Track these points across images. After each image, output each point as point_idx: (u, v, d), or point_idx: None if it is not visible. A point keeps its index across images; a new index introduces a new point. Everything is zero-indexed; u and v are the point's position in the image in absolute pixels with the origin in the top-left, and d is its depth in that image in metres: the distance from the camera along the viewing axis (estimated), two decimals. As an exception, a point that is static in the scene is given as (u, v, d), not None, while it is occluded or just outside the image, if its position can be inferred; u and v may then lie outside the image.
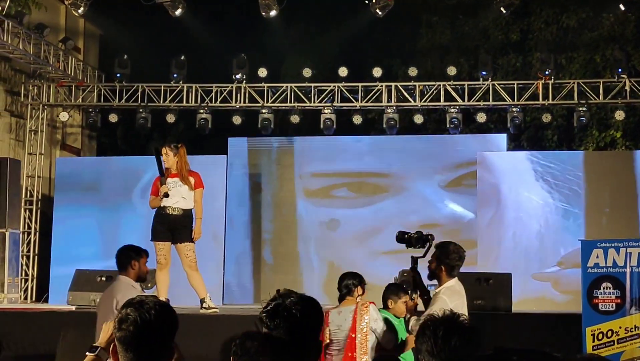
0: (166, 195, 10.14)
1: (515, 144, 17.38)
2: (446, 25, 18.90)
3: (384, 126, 15.41)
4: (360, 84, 15.61)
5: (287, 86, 15.74)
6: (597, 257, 9.54)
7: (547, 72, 14.99)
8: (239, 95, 15.71)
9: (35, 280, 15.45)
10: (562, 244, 14.06)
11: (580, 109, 14.92)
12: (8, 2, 13.70)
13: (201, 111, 15.69)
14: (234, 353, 5.06)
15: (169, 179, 10.24)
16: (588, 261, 9.57)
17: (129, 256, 7.54)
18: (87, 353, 3.56)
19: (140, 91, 15.88)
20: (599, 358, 2.59)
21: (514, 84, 15.43)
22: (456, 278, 7.00)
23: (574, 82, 15.14)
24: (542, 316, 11.23)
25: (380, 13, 14.40)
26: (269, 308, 3.14)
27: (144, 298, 3.12)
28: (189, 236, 10.23)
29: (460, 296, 6.87)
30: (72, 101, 16.26)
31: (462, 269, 11.15)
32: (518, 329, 10.20)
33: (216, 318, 10.03)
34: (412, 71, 15.48)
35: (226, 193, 15.02)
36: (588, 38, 17.58)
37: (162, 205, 10.19)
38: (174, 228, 10.23)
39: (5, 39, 13.86)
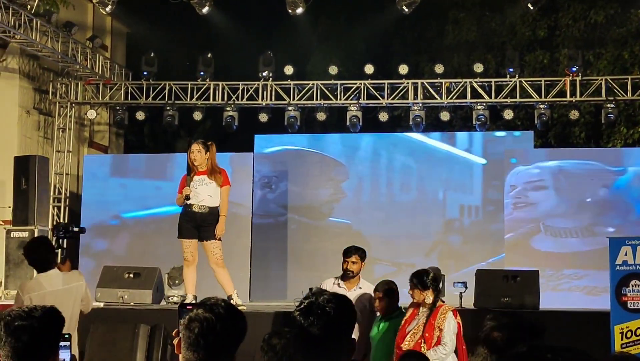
0: (187, 198, 10.18)
1: (542, 141, 17.31)
2: (473, 22, 18.86)
3: (410, 123, 15.39)
4: (386, 81, 15.59)
5: (313, 83, 15.74)
6: (626, 254, 9.47)
7: (574, 69, 14.90)
8: (265, 92, 15.74)
9: (63, 277, 15.55)
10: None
11: (608, 105, 14.83)
12: (37, 1, 13.81)
13: (228, 108, 15.74)
14: (261, 349, 5.08)
15: (195, 177, 10.25)
16: (616, 258, 9.51)
17: None
18: None
19: (167, 88, 15.94)
20: (631, 357, 2.57)
21: (541, 80, 15.36)
22: (49, 272, 6.93)
23: (601, 79, 15.05)
24: (570, 314, 11.16)
25: (406, 10, 14.36)
26: (302, 306, 3.14)
27: (218, 302, 3.13)
28: (213, 233, 10.25)
29: (34, 290, 6.87)
30: (100, 98, 16.36)
31: (489, 267, 11.17)
32: (546, 326, 10.14)
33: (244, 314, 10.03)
34: (439, 68, 15.44)
35: (252, 190, 15.04)
36: (616, 34, 17.47)
37: (188, 203, 10.22)
38: (200, 225, 10.26)
39: (33, 37, 13.97)
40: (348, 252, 8.65)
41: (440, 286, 11.69)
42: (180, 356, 3.11)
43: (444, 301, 7.99)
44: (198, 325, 3.04)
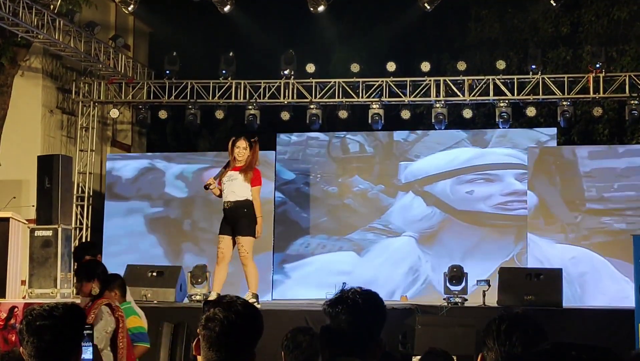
0: (206, 187, 10.41)
1: (565, 138, 17.22)
2: (495, 19, 18.78)
3: (433, 120, 15.35)
4: (408, 79, 15.56)
5: (335, 82, 15.74)
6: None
7: (597, 65, 14.83)
8: (287, 91, 15.74)
9: (87, 275, 15.61)
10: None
11: (632, 102, 14.73)
12: (60, 0, 13.88)
13: (250, 107, 15.76)
14: (285, 348, 5.04)
15: (229, 172, 10.40)
16: (641, 255, 9.45)
17: None
18: None
19: (189, 87, 15.98)
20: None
21: (564, 77, 15.28)
22: None
23: (625, 75, 14.96)
24: (593, 312, 11.12)
25: (428, 7, 14.32)
26: (332, 298, 3.15)
27: (235, 300, 3.14)
28: (245, 228, 10.29)
29: None
30: (122, 97, 16.43)
31: (513, 265, 11.10)
32: (569, 324, 10.11)
33: (265, 313, 10.05)
34: (461, 65, 15.40)
35: (275, 189, 15.05)
36: (640, 30, 17.34)
37: (223, 200, 10.41)
38: (232, 221, 10.35)
39: (56, 37, 14.03)
40: None
41: (464, 283, 11.72)
42: (199, 357, 3.12)
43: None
44: (218, 324, 3.04)
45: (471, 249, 14.50)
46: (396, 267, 14.62)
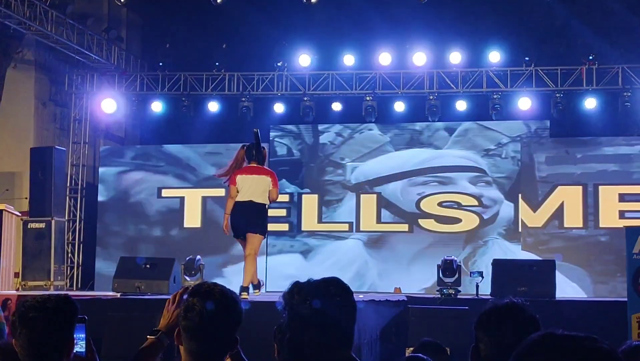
0: None
1: (558, 130, 17.21)
2: (489, 11, 18.72)
3: (426, 112, 15.35)
4: (401, 71, 15.56)
5: (328, 74, 15.73)
6: (643, 243, 9.43)
7: (591, 57, 14.83)
8: (280, 83, 15.75)
9: (80, 268, 15.63)
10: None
11: (625, 94, 14.76)
12: (52, -8, 13.85)
13: (243, 99, 15.75)
14: (279, 341, 5.04)
15: None
16: (633, 247, 9.47)
17: None
18: (148, 337, 3.58)
19: (182, 79, 15.97)
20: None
21: (557, 69, 15.29)
22: None
23: (618, 67, 14.98)
24: (586, 303, 11.15)
25: (422, -1, 14.32)
26: (293, 290, 3.06)
27: (213, 288, 3.13)
28: None
29: None
30: (116, 89, 16.39)
31: (507, 256, 11.10)
32: (562, 316, 10.12)
33: (256, 305, 10.05)
34: (454, 57, 15.39)
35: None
36: (633, 22, 17.32)
37: None
38: None
39: (49, 29, 14.00)
40: None
41: (457, 275, 11.74)
42: (181, 348, 3.12)
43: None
44: (197, 314, 3.05)
45: (418, 254, 14.46)
46: (343, 272, 14.45)
